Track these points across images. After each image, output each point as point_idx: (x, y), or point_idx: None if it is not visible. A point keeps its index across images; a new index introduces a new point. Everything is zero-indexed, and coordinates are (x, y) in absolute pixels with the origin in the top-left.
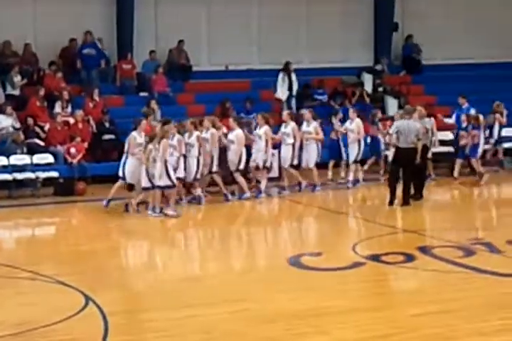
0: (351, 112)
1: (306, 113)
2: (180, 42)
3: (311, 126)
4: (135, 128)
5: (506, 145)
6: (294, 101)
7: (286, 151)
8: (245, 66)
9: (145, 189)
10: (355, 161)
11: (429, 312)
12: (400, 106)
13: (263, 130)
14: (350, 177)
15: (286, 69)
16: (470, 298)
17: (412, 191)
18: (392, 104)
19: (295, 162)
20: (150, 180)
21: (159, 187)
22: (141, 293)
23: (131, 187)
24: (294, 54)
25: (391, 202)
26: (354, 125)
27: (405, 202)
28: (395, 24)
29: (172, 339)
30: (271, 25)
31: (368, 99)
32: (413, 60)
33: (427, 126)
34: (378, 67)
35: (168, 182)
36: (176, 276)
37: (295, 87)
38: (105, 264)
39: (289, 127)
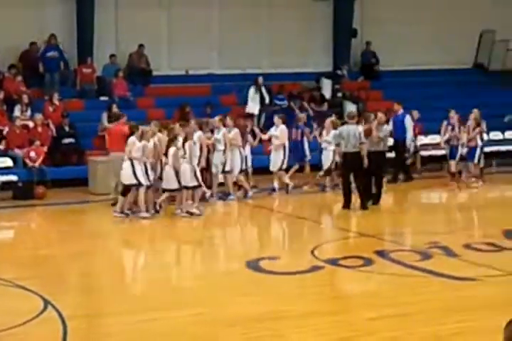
0: (276, 118)
1: (215, 120)
2: (141, 46)
3: (232, 132)
4: (132, 134)
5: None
6: (264, 115)
7: (217, 158)
8: (205, 71)
9: (172, 190)
10: (280, 169)
11: (386, 316)
12: (359, 112)
13: (197, 135)
14: (276, 185)
15: (256, 83)
16: (427, 301)
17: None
18: (350, 109)
19: (227, 168)
20: (179, 182)
21: (187, 187)
22: (102, 297)
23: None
24: (254, 59)
25: (345, 206)
26: (278, 131)
27: (362, 206)
28: (353, 30)
29: None
30: (231, 30)
31: (326, 104)
32: (371, 66)
33: (386, 132)
34: (340, 72)
35: (196, 183)
36: (136, 280)
37: (267, 101)
38: (65, 268)
39: (220, 133)
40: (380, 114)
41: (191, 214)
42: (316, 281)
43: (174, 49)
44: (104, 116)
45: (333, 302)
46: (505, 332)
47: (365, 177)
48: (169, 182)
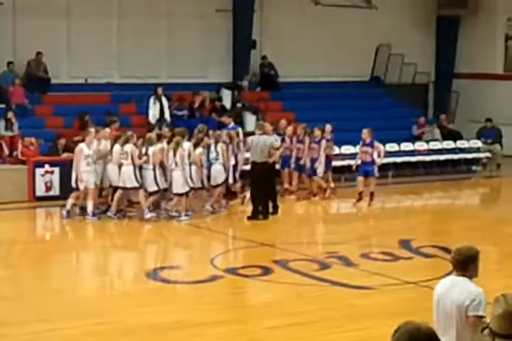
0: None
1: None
2: (39, 54)
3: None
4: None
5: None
6: (164, 125)
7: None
8: (105, 79)
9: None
10: None
11: (285, 324)
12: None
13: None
14: None
15: (156, 93)
16: (325, 310)
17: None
18: (250, 120)
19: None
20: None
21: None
22: None
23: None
24: (153, 68)
25: (252, 217)
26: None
27: (264, 216)
28: (253, 41)
29: None
30: (131, 39)
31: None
32: (270, 77)
33: (276, 142)
34: (243, 83)
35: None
36: (34, 289)
37: (166, 111)
38: None
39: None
40: (266, 124)
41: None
42: (215, 290)
43: (73, 57)
44: (1, 124)
45: (232, 311)
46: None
47: (265, 188)
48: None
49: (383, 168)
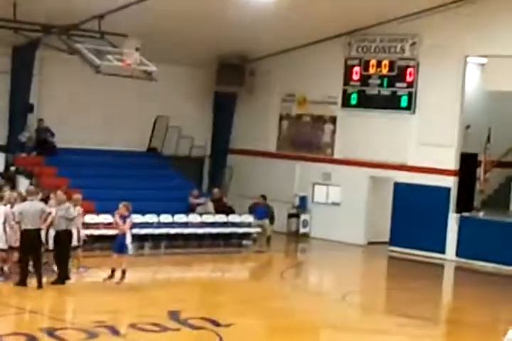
0: None
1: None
2: None
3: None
4: None
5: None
6: None
7: None
8: None
9: None
10: None
11: None
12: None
13: None
14: None
15: None
16: None
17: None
18: (23, 184)
19: None
20: None
21: None
22: None
23: None
24: None
25: (20, 283)
26: None
27: (39, 284)
28: (30, 105)
29: None
30: None
31: None
32: (46, 142)
33: (71, 211)
34: (21, 139)
35: None
36: None
37: None
38: None
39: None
40: (59, 192)
41: None
42: None
43: None
44: None
45: None
46: None
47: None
48: None
49: (156, 238)
